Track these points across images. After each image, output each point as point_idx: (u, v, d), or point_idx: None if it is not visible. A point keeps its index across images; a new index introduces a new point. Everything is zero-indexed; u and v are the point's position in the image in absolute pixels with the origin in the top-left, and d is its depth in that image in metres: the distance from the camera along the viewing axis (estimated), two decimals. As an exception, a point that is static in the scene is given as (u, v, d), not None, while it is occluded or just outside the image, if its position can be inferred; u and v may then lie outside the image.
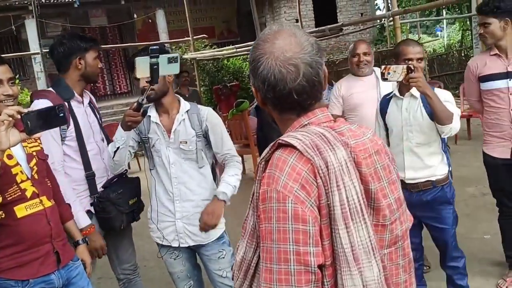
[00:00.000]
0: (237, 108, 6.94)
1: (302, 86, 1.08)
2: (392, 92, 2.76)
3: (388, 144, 2.75)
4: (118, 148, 2.26)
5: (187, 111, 2.36)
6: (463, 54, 13.80)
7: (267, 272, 1.02)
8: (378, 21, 13.20)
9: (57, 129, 2.32)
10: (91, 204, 2.48)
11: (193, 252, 2.50)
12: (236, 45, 9.78)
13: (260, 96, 1.15)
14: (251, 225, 1.14)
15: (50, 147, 2.31)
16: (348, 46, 15.39)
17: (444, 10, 16.95)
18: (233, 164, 2.41)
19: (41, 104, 2.24)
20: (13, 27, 11.63)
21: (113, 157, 2.31)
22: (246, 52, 9.46)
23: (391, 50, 10.73)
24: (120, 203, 2.46)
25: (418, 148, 2.63)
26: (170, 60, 1.98)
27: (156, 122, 2.35)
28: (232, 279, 1.24)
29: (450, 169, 2.74)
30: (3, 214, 1.89)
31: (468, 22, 14.60)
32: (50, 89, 2.47)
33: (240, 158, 2.39)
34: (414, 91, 2.58)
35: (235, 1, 15.91)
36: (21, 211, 1.92)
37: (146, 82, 2.04)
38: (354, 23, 12.46)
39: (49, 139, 2.31)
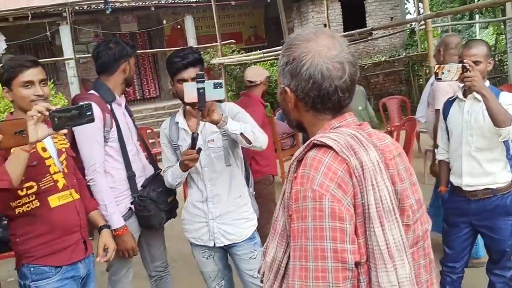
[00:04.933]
0: (259, 113, 6.92)
1: (346, 84, 1.11)
2: (456, 94, 2.69)
3: (448, 149, 2.70)
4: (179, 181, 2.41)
5: None
6: (497, 59, 13.46)
7: (302, 270, 1.02)
8: (408, 25, 13.01)
9: (101, 131, 2.42)
10: (131, 203, 2.55)
11: (225, 252, 2.52)
12: (264, 50, 9.80)
13: (296, 96, 1.15)
14: (281, 225, 1.15)
15: (92, 149, 2.40)
16: (377, 50, 15.23)
17: (477, 13, 16.59)
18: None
19: None
20: (48, 33, 12.00)
21: (175, 186, 2.47)
22: (273, 58, 9.47)
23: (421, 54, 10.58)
24: (160, 201, 2.54)
25: (477, 153, 2.54)
26: (215, 86, 2.09)
27: (184, 129, 2.39)
28: (261, 282, 1.24)
29: None
30: (38, 203, 2.02)
31: (502, 26, 14.22)
32: (93, 92, 2.54)
33: (265, 134, 2.36)
34: None
35: (262, 7, 15.97)
36: (54, 201, 2.06)
37: (195, 107, 2.12)
38: (384, 27, 12.32)
39: (92, 141, 2.40)
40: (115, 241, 2.40)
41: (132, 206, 2.55)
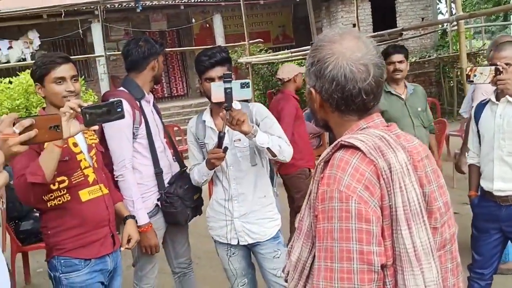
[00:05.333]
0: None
1: (371, 86, 1.11)
2: (488, 97, 2.64)
3: (479, 152, 2.65)
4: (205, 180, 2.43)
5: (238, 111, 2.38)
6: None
7: (327, 271, 1.02)
8: (440, 26, 12.75)
9: (130, 127, 2.46)
10: (158, 199, 2.58)
11: (249, 251, 2.53)
12: (292, 50, 9.77)
13: (321, 97, 1.16)
14: (306, 225, 1.15)
15: (122, 145, 2.44)
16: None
17: None
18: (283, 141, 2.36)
19: None
20: (80, 30, 12.27)
21: (201, 184, 2.49)
22: (301, 57, 9.42)
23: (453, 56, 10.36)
24: (186, 198, 2.58)
25: (510, 158, 2.49)
26: (243, 86, 2.11)
27: (211, 127, 2.41)
28: (286, 281, 1.24)
29: None
30: (69, 196, 2.07)
31: (538, 28, 13.80)
32: (123, 89, 2.59)
33: (290, 146, 2.39)
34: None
35: (291, 6, 15.91)
36: (85, 195, 2.10)
37: (222, 107, 2.13)
38: (415, 28, 12.10)
39: (122, 138, 2.43)
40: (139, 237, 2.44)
41: (159, 203, 2.58)
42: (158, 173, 2.58)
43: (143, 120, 2.52)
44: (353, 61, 1.09)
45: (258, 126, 2.36)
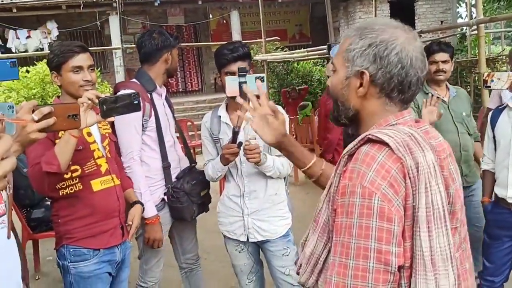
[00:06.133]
0: (301, 111, 6.92)
1: (424, 78, 1.12)
2: (505, 103, 2.60)
3: (494, 158, 2.61)
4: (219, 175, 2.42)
5: None
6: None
7: (341, 267, 1.00)
8: (459, 29, 12.59)
9: (139, 119, 2.44)
10: (165, 194, 2.57)
11: (258, 248, 2.53)
12: (308, 49, 9.73)
13: (371, 81, 1.10)
14: (324, 218, 1.12)
15: (130, 137, 2.43)
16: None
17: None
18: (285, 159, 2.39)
19: None
20: (98, 22, 12.37)
21: (215, 179, 2.47)
22: (317, 56, 9.37)
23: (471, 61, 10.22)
24: (193, 193, 2.56)
25: None
26: (257, 80, 2.08)
27: (226, 122, 2.40)
28: (297, 274, 1.23)
29: None
30: (81, 186, 2.07)
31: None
32: (135, 80, 2.59)
33: (290, 170, 2.44)
34: None
35: (309, 5, 15.85)
36: (96, 185, 2.11)
37: (237, 101, 2.11)
38: (434, 31, 11.96)
39: (131, 129, 2.43)
40: (145, 229, 2.44)
41: (165, 197, 2.57)
42: (166, 167, 2.57)
43: (153, 113, 2.51)
44: (417, 48, 1.10)
45: None
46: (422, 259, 0.98)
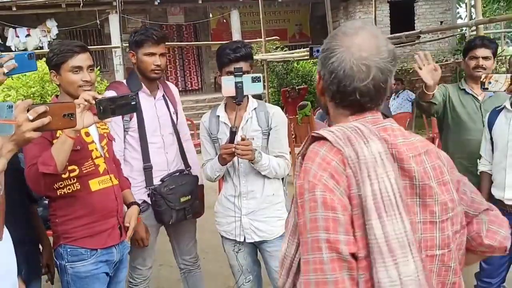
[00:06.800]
0: (300, 111, 6.92)
1: (368, 89, 1.09)
2: (503, 104, 2.59)
3: (491, 160, 2.61)
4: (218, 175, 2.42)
5: (254, 109, 2.39)
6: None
7: (305, 265, 1.02)
8: (459, 30, 12.59)
9: (120, 121, 2.44)
10: (148, 195, 2.55)
11: (255, 248, 2.53)
12: (308, 48, 9.72)
13: (322, 85, 1.17)
14: (292, 222, 1.14)
15: None
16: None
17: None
18: (283, 159, 2.41)
19: (109, 94, 2.33)
20: (97, 21, 12.35)
21: (214, 179, 2.46)
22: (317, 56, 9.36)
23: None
24: (170, 198, 2.51)
25: None
26: (254, 80, 2.10)
27: (224, 122, 2.40)
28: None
29: None
30: (79, 185, 2.07)
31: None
32: (123, 81, 2.59)
33: (290, 161, 2.44)
34: None
35: (309, 5, 15.85)
36: (94, 185, 2.10)
37: (233, 101, 2.13)
38: (433, 31, 11.97)
39: (111, 129, 2.40)
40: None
41: (148, 199, 2.55)
42: (146, 168, 2.54)
43: (135, 114, 2.46)
44: (356, 59, 1.08)
45: (270, 130, 2.37)
46: (378, 246, 0.98)
